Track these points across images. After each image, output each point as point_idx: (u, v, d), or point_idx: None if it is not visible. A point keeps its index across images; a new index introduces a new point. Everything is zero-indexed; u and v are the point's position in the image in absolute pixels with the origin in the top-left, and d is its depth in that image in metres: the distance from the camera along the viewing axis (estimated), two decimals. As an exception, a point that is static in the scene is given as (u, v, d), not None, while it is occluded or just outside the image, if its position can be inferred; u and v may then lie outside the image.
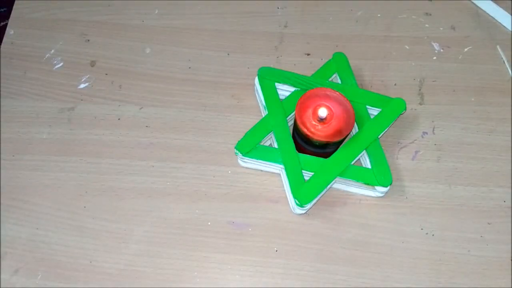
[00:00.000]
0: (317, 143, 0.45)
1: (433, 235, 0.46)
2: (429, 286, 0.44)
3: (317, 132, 0.44)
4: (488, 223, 0.47)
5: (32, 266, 0.44)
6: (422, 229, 0.47)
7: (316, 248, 0.46)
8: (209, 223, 0.47)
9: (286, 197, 0.47)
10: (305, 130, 0.44)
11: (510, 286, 0.44)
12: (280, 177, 0.48)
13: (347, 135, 0.44)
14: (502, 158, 0.50)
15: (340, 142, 0.46)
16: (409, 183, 0.48)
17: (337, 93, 0.45)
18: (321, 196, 0.46)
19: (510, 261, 0.45)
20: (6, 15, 0.59)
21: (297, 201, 0.44)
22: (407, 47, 0.56)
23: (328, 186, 0.46)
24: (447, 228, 0.47)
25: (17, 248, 0.45)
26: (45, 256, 0.45)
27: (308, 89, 0.49)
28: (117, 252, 0.45)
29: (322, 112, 0.44)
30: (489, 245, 0.46)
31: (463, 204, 0.48)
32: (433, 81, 0.54)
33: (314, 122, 0.44)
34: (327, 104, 0.45)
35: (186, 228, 0.46)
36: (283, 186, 0.48)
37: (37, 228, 0.46)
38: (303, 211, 0.46)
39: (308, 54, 0.55)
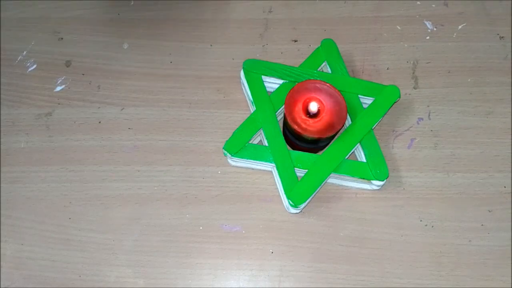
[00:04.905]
0: (309, 139, 0.42)
1: (432, 226, 0.45)
2: (430, 280, 0.43)
3: (308, 128, 0.42)
4: (489, 211, 0.45)
5: (19, 285, 0.43)
6: (421, 221, 0.45)
7: (313, 247, 0.44)
8: (201, 228, 0.45)
9: (279, 195, 0.45)
10: (295, 126, 0.41)
11: (510, 274, 0.43)
12: (272, 174, 0.46)
13: (340, 128, 0.42)
14: (501, 141, 0.48)
15: (333, 135, 0.44)
16: (406, 173, 0.47)
17: (327, 84, 0.43)
18: (315, 193, 0.44)
19: (511, 248, 0.44)
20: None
21: (290, 202, 0.42)
22: (398, 28, 0.53)
23: (322, 184, 0.44)
24: (446, 218, 0.45)
25: (2, 266, 0.43)
26: (32, 272, 0.43)
27: (296, 81, 0.46)
28: (106, 264, 0.43)
29: (313, 106, 0.42)
30: (490, 234, 0.45)
31: (462, 192, 0.46)
32: (427, 62, 0.51)
33: (304, 118, 0.42)
34: (318, 97, 0.43)
35: (177, 234, 0.45)
36: (276, 184, 0.46)
37: (22, 244, 0.44)
38: (298, 210, 0.44)
39: (295, 41, 0.52)
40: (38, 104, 0.49)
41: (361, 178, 0.44)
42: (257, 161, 0.44)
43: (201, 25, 0.53)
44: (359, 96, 0.46)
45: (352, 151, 0.45)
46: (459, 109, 0.49)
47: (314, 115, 0.42)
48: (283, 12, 0.54)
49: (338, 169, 0.44)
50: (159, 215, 0.45)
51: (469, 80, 0.50)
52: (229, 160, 0.46)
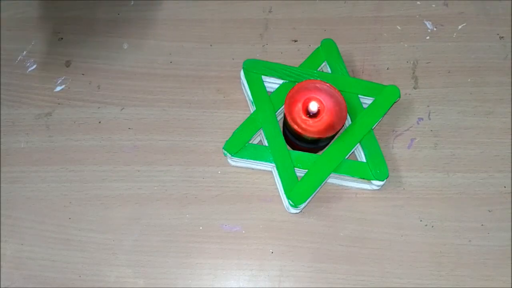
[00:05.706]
0: (309, 139, 0.42)
1: (432, 226, 0.45)
2: (430, 280, 0.43)
3: (308, 128, 0.42)
4: (489, 211, 0.45)
5: (19, 285, 0.43)
6: (421, 221, 0.45)
7: (313, 247, 0.44)
8: (201, 228, 0.45)
9: (279, 195, 0.46)
10: (295, 126, 0.41)
11: (510, 274, 0.43)
12: (272, 174, 0.46)
13: (340, 128, 0.42)
14: (501, 141, 0.48)
15: (333, 135, 0.44)
16: (406, 173, 0.47)
17: (327, 84, 0.43)
18: (315, 193, 0.44)
19: (511, 248, 0.44)
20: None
21: (290, 202, 0.42)
22: (398, 28, 0.53)
23: (322, 184, 0.44)
24: (446, 218, 0.45)
25: (2, 266, 0.43)
26: (32, 272, 0.43)
27: (296, 81, 0.46)
28: (106, 264, 0.43)
29: (313, 106, 0.42)
30: (490, 234, 0.45)
31: (462, 192, 0.46)
32: (427, 62, 0.51)
33: (304, 118, 0.42)
34: (318, 98, 0.43)
35: (177, 234, 0.45)
36: (276, 184, 0.46)
37: (22, 244, 0.44)
38: (298, 210, 0.44)
39: (295, 41, 0.52)
40: (38, 104, 0.49)
41: (361, 178, 0.44)
42: (257, 161, 0.44)
43: (201, 25, 0.53)
44: (359, 96, 0.46)
45: (352, 151, 0.45)
46: (459, 109, 0.49)
47: (314, 115, 0.42)
48: (283, 12, 0.54)
49: (338, 169, 0.44)
50: (159, 215, 0.45)
51: (469, 80, 0.50)
52: (229, 160, 0.46)
